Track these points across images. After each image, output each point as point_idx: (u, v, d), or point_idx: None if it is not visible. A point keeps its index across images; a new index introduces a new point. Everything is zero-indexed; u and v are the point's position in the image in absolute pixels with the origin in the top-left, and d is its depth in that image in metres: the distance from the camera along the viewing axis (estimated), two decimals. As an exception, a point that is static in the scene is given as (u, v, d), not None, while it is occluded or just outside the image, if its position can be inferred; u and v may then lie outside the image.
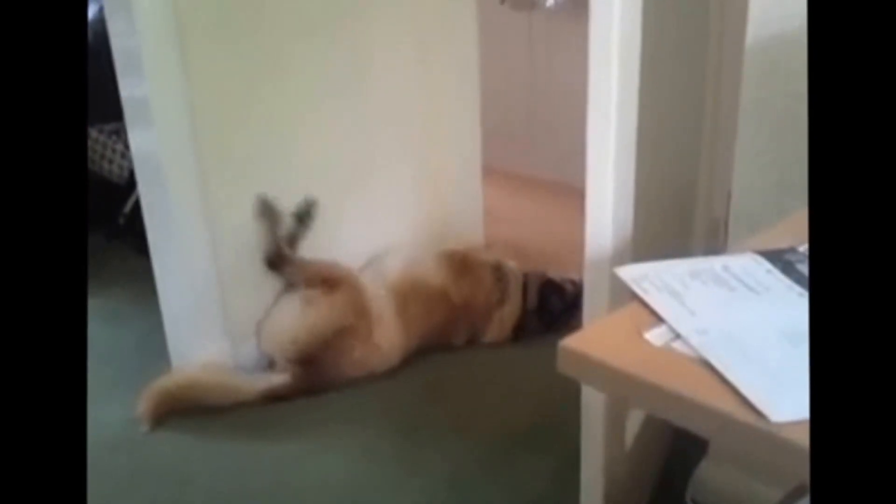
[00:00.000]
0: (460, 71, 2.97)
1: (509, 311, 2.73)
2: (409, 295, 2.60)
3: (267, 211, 2.49)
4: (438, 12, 2.82)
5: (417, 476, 2.12)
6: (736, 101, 1.67)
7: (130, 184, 3.05)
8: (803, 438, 0.75)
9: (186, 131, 2.28)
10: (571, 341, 0.96)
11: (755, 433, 0.80)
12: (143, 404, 2.32)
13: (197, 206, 2.36)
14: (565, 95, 3.68)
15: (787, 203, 1.61)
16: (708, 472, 1.94)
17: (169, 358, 2.51)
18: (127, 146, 2.57)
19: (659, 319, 0.98)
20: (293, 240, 2.56)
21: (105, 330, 2.80)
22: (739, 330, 0.95)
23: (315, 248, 2.59)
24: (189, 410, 2.35)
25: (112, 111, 2.41)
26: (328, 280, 2.51)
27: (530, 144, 4.11)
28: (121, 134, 3.06)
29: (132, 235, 2.95)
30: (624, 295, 1.07)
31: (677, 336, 0.94)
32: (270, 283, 2.54)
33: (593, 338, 1.00)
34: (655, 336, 0.95)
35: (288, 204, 2.53)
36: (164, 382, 2.39)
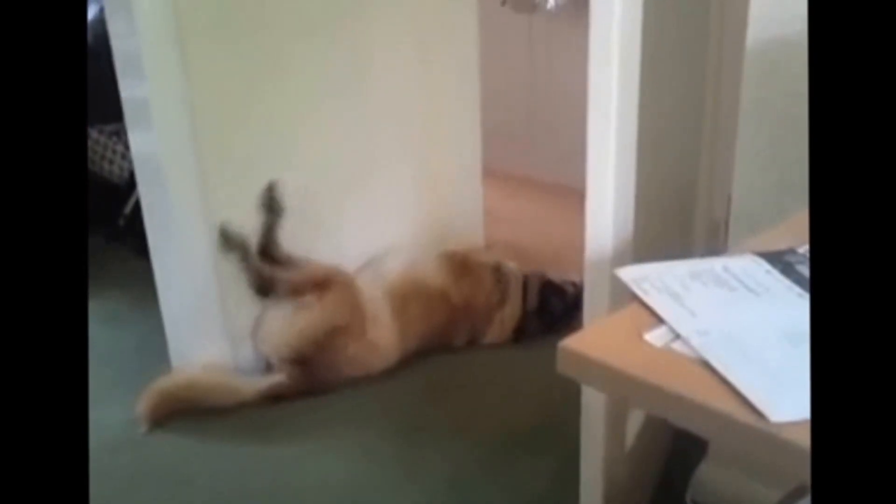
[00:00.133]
0: (461, 72, 2.97)
1: (509, 313, 2.73)
2: (409, 296, 2.60)
3: (228, 241, 2.44)
4: (439, 13, 2.82)
5: (417, 477, 2.12)
6: (736, 102, 1.67)
7: (130, 185, 3.05)
8: (803, 439, 0.75)
9: (186, 132, 2.28)
10: (571, 342, 0.96)
11: (755, 433, 0.81)
12: (143, 405, 2.32)
13: (197, 206, 2.36)
14: (566, 97, 3.68)
15: (788, 204, 1.61)
16: (708, 473, 1.94)
17: (169, 359, 2.51)
18: (127, 147, 2.57)
19: (659, 320, 0.98)
20: (270, 233, 2.50)
21: (105, 331, 2.79)
22: (739, 331, 0.95)
23: (315, 248, 2.58)
24: (189, 411, 2.35)
25: (112, 112, 2.41)
26: (318, 285, 2.51)
27: (530, 145, 4.11)
28: (121, 135, 3.06)
29: (132, 236, 2.94)
30: (624, 296, 1.07)
31: (677, 337, 0.95)
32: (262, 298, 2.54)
33: (593, 338, 1.00)
34: (656, 337, 0.95)
35: (288, 205, 2.53)
36: (164, 383, 2.38)
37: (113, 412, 2.33)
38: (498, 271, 2.76)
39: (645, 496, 1.97)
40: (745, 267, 1.10)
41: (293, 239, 2.54)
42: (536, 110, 4.08)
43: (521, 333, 2.73)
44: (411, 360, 2.59)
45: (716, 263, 1.11)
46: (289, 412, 2.37)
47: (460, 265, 2.73)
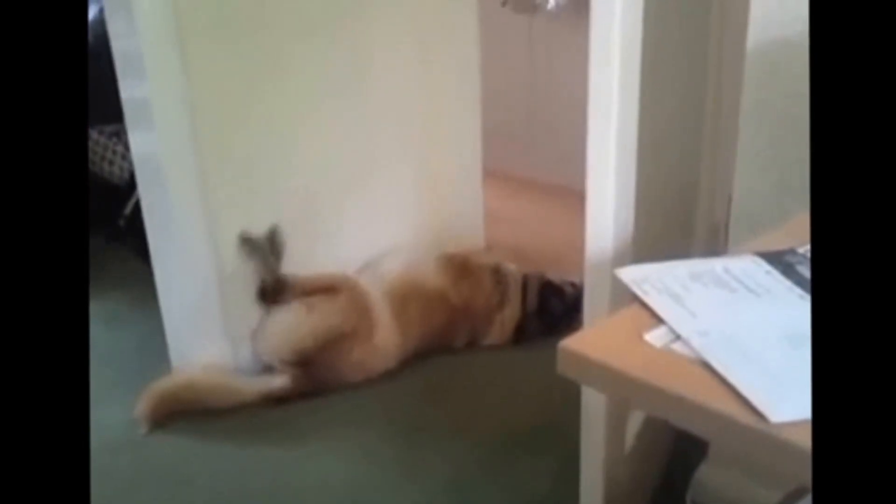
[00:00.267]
0: (461, 72, 2.97)
1: (509, 314, 2.73)
2: (409, 297, 2.59)
3: (252, 247, 2.46)
4: (439, 14, 2.82)
5: (417, 477, 2.12)
6: (736, 102, 1.67)
7: (131, 185, 3.04)
8: (803, 439, 0.75)
9: (187, 132, 2.28)
10: (571, 343, 0.96)
11: (755, 434, 0.81)
12: (143, 406, 2.32)
13: (197, 207, 2.36)
14: (566, 97, 3.68)
15: (788, 205, 1.61)
16: (708, 474, 1.93)
17: (169, 360, 2.51)
18: (127, 147, 2.57)
19: (659, 321, 0.98)
20: (272, 268, 2.51)
21: (105, 332, 2.79)
22: (740, 331, 0.95)
23: (314, 249, 2.59)
24: (189, 412, 2.35)
25: (112, 112, 2.41)
26: (327, 289, 2.51)
27: (531, 146, 4.10)
28: (121, 135, 3.06)
29: (132, 237, 2.94)
30: (624, 297, 1.07)
31: (678, 337, 0.95)
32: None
33: (593, 339, 1.00)
34: (656, 337, 0.95)
35: (288, 205, 2.53)
36: (164, 384, 2.38)
37: (113, 413, 2.33)
38: (498, 272, 2.75)
39: (645, 497, 1.96)
40: (746, 268, 1.10)
41: (293, 239, 2.54)
42: (537, 111, 4.08)
43: (521, 334, 2.72)
44: (411, 361, 2.59)
45: (716, 264, 1.11)
46: (289, 413, 2.37)
47: (460, 266, 2.73)
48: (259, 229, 2.48)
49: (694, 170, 2.19)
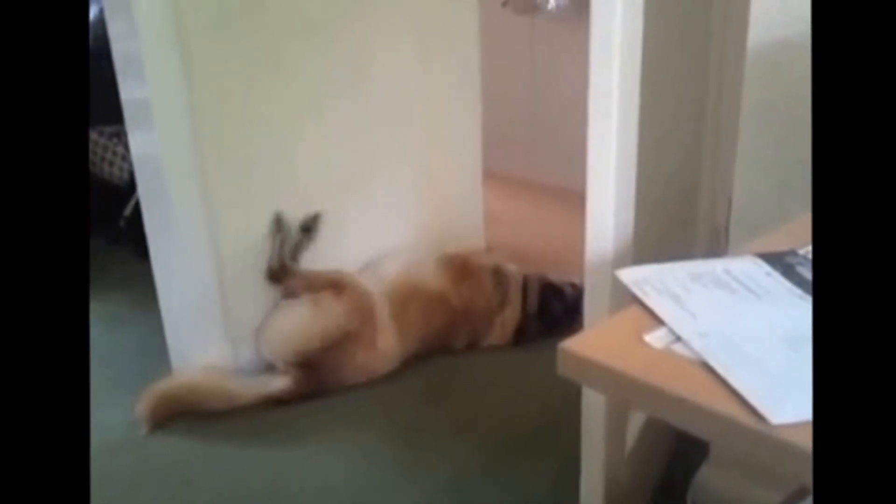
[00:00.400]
0: (461, 74, 2.97)
1: (510, 315, 2.73)
2: (409, 299, 2.59)
3: (280, 227, 2.51)
4: (440, 15, 2.82)
5: (418, 479, 2.12)
6: (737, 104, 1.67)
7: (131, 186, 3.05)
8: (803, 441, 0.75)
9: (187, 133, 2.29)
10: (572, 344, 0.96)
11: (755, 435, 0.80)
12: (143, 408, 2.32)
13: (197, 208, 2.36)
14: (566, 99, 3.69)
15: (789, 206, 1.61)
16: (709, 476, 1.93)
17: (170, 361, 2.51)
18: (127, 148, 2.57)
19: (660, 322, 0.98)
20: (297, 251, 2.56)
21: (106, 333, 2.80)
22: (740, 333, 0.95)
23: (315, 250, 2.59)
24: (190, 413, 2.35)
25: (113, 113, 2.42)
26: (333, 284, 2.51)
27: (531, 148, 4.11)
28: (121, 136, 3.06)
29: (133, 238, 2.95)
30: (625, 298, 1.07)
31: (678, 339, 0.94)
32: (272, 287, 2.54)
33: (594, 340, 1.00)
34: (656, 339, 0.95)
35: (288, 206, 2.53)
36: (164, 386, 2.38)
37: (113, 414, 2.33)
38: (498, 273, 2.75)
39: (645, 498, 1.96)
40: (746, 269, 1.10)
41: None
42: (537, 112, 4.08)
43: (521, 335, 2.72)
44: (411, 362, 2.59)
45: (716, 265, 1.11)
46: (289, 414, 2.37)
47: (460, 267, 2.73)
48: (260, 230, 2.48)
49: (694, 171, 2.19)
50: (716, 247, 2.21)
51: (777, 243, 1.16)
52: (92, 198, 1.03)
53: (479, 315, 2.70)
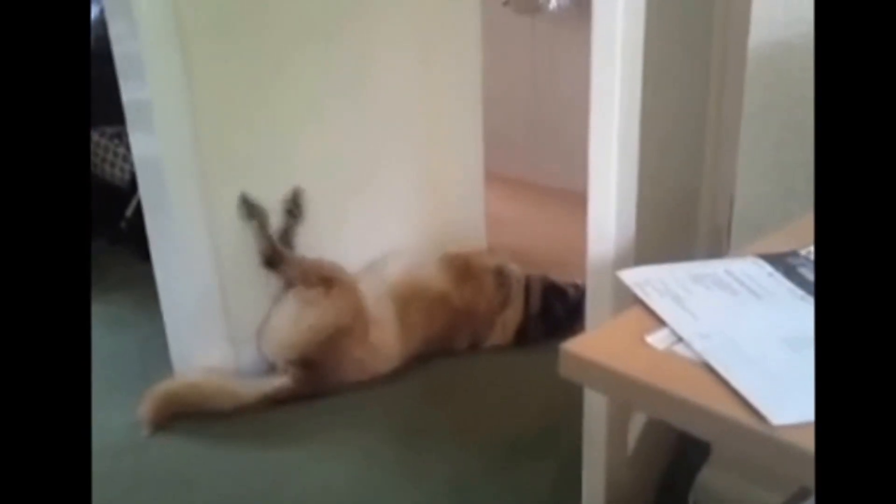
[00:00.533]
0: (463, 74, 2.97)
1: (512, 316, 2.73)
2: (411, 299, 2.59)
3: (251, 209, 2.47)
4: (441, 15, 2.82)
5: (419, 480, 2.12)
6: (739, 105, 1.67)
7: (132, 187, 3.05)
8: (804, 442, 0.75)
9: (188, 134, 2.29)
10: (573, 345, 0.96)
11: (756, 436, 0.80)
12: (144, 409, 2.32)
13: (198, 209, 2.36)
14: (568, 99, 3.68)
15: (790, 208, 1.61)
16: (711, 477, 1.93)
17: (171, 362, 2.51)
18: (129, 149, 2.57)
19: (661, 323, 0.98)
20: (287, 235, 2.54)
21: (107, 334, 2.80)
22: (741, 334, 0.95)
23: (317, 251, 2.58)
24: (191, 415, 2.35)
25: (114, 114, 2.42)
26: (325, 279, 2.51)
27: (533, 148, 4.11)
28: (123, 137, 3.06)
29: (134, 239, 2.95)
30: (626, 299, 1.07)
31: (679, 340, 0.94)
32: (272, 287, 2.53)
33: (595, 342, 1.00)
34: (658, 340, 0.95)
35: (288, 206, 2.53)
36: (166, 387, 2.38)
37: (115, 415, 2.33)
38: (500, 274, 2.75)
39: (647, 499, 1.96)
40: (748, 270, 1.10)
41: (297, 240, 2.54)
42: (539, 113, 4.08)
43: (523, 336, 2.72)
44: (413, 363, 2.59)
45: (718, 266, 1.11)
46: (290, 416, 2.37)
47: (462, 268, 2.73)
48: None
49: (696, 172, 2.18)
50: (717, 247, 2.21)
51: (779, 244, 1.16)
52: (93, 199, 1.03)
53: (481, 316, 2.70)
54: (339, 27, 2.55)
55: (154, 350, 2.57)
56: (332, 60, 2.57)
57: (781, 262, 1.11)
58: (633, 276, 1.08)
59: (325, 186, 2.62)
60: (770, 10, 1.56)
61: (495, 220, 3.33)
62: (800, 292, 1.03)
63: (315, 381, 2.42)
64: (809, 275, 1.07)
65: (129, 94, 2.29)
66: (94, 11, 3.03)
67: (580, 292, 2.53)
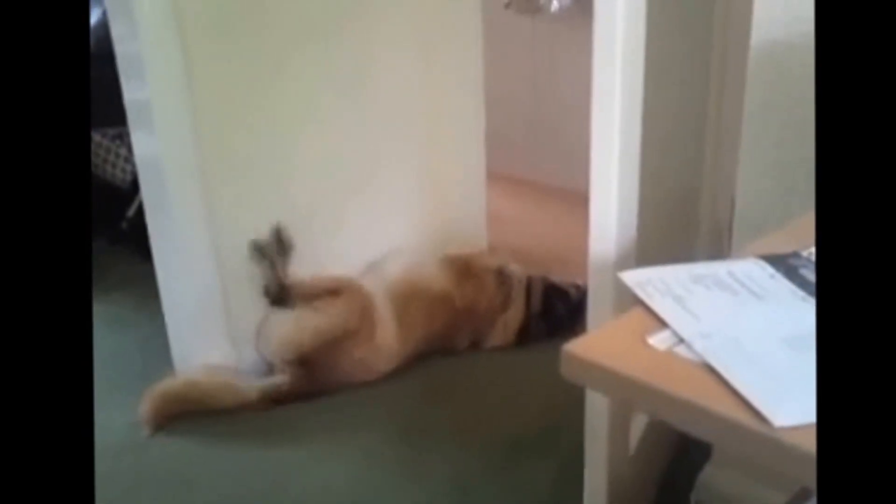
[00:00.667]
0: (464, 74, 2.97)
1: (513, 316, 2.72)
2: (412, 299, 2.59)
3: (264, 252, 2.47)
4: (442, 15, 2.82)
5: (419, 480, 2.12)
6: (740, 105, 1.66)
7: (134, 188, 3.05)
8: (806, 443, 0.75)
9: (188, 134, 2.29)
10: (575, 346, 0.96)
11: (758, 437, 0.80)
12: (145, 409, 2.32)
13: (199, 209, 2.36)
14: (569, 99, 3.68)
15: (792, 208, 1.61)
16: (712, 477, 1.93)
17: (172, 362, 2.51)
18: (130, 150, 2.57)
19: (663, 324, 0.98)
20: (284, 267, 2.52)
21: (108, 334, 2.79)
22: (743, 334, 0.95)
23: (317, 252, 2.58)
24: (192, 414, 2.35)
25: (116, 115, 2.42)
26: (330, 291, 2.51)
27: (534, 148, 4.10)
28: (124, 138, 3.06)
29: (135, 240, 2.95)
30: (628, 299, 1.07)
31: (681, 340, 0.94)
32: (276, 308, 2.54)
33: (597, 342, 1.00)
34: (659, 340, 0.95)
35: (290, 207, 2.53)
36: (166, 387, 2.38)
37: (115, 415, 2.33)
38: (501, 274, 2.75)
39: (649, 499, 1.96)
40: (749, 270, 1.10)
41: (295, 241, 2.54)
42: (540, 112, 4.07)
43: (524, 336, 2.72)
44: (413, 363, 2.59)
45: (719, 267, 1.11)
46: (291, 415, 2.37)
47: (463, 268, 2.72)
48: (261, 231, 2.48)
49: (697, 172, 2.18)
50: (719, 246, 2.21)
51: (780, 244, 1.16)
52: (94, 200, 1.03)
53: (482, 316, 2.69)
54: (339, 27, 2.55)
55: (155, 349, 2.57)
56: (333, 61, 2.57)
57: (783, 264, 1.11)
58: (635, 277, 1.08)
59: (325, 186, 2.62)
60: (771, 10, 1.55)
61: (496, 220, 3.33)
62: (801, 293, 1.03)
63: (314, 381, 2.42)
64: (811, 276, 1.07)
65: (130, 94, 2.29)
66: (98, 13, 3.03)
67: (581, 292, 2.53)
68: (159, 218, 2.40)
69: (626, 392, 0.95)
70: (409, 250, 2.81)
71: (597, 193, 1.45)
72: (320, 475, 2.16)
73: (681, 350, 0.93)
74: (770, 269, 1.09)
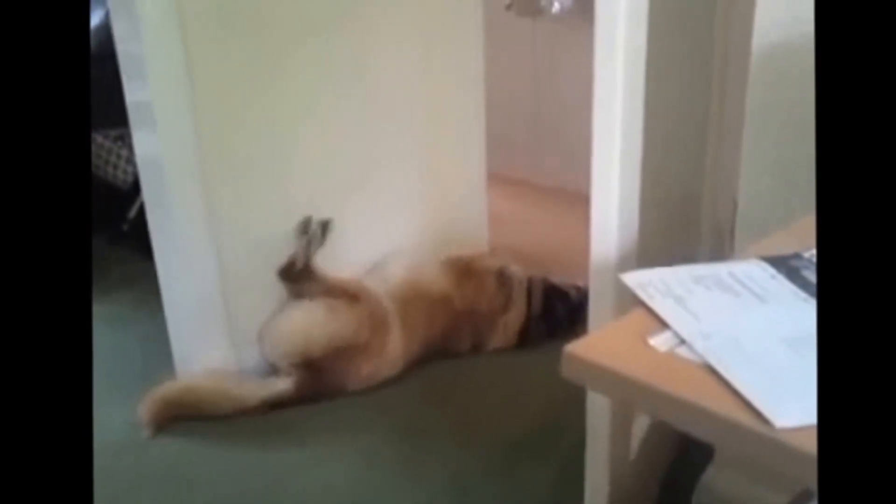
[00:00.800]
0: (465, 75, 2.97)
1: (514, 317, 2.72)
2: (412, 301, 2.59)
3: (307, 229, 2.50)
4: (443, 16, 2.82)
5: (420, 481, 2.12)
6: (741, 106, 1.66)
7: (135, 189, 3.04)
8: (807, 444, 0.75)
9: (190, 135, 2.28)
10: (576, 347, 0.96)
11: (759, 438, 0.80)
12: (144, 412, 2.32)
13: (200, 209, 2.36)
14: (570, 101, 3.67)
15: (793, 209, 1.61)
16: (714, 478, 1.93)
17: (173, 362, 2.51)
18: (132, 151, 2.57)
19: (664, 325, 0.98)
20: (314, 252, 2.54)
21: (109, 334, 2.79)
22: (744, 335, 0.94)
23: (318, 251, 2.58)
24: (192, 416, 2.35)
25: (117, 116, 2.42)
26: (350, 295, 2.50)
27: (535, 149, 4.10)
28: (125, 139, 3.06)
29: (136, 240, 2.95)
30: (629, 300, 1.07)
31: (682, 341, 0.94)
32: (275, 288, 2.53)
33: (598, 343, 1.00)
34: (660, 341, 0.95)
35: (291, 207, 2.53)
36: (166, 390, 2.37)
37: (116, 415, 2.33)
38: (502, 276, 2.74)
39: (650, 501, 1.96)
40: (751, 272, 1.09)
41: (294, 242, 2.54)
42: (541, 114, 4.07)
43: (525, 338, 2.72)
44: (414, 364, 2.59)
45: (721, 268, 1.11)
46: (291, 417, 2.36)
47: (464, 269, 2.72)
48: (261, 231, 2.48)
49: (699, 173, 2.18)
50: (720, 247, 2.21)
51: (781, 245, 1.16)
52: (95, 200, 1.03)
53: (483, 317, 2.69)
54: (339, 28, 2.55)
55: (155, 349, 2.57)
56: (334, 61, 2.57)
57: (784, 265, 1.10)
58: (636, 278, 1.08)
59: (325, 186, 2.62)
60: (772, 11, 1.55)
61: (497, 220, 3.33)
62: (803, 294, 1.03)
63: (317, 387, 2.40)
64: (812, 277, 1.07)
65: (132, 94, 2.29)
66: (101, 15, 3.03)
67: (582, 293, 2.52)
68: (160, 217, 2.40)
69: (627, 393, 0.95)
70: (410, 251, 2.81)
71: (598, 194, 1.45)
72: (320, 475, 2.16)
73: (682, 351, 0.93)
74: (771, 270, 1.09)
